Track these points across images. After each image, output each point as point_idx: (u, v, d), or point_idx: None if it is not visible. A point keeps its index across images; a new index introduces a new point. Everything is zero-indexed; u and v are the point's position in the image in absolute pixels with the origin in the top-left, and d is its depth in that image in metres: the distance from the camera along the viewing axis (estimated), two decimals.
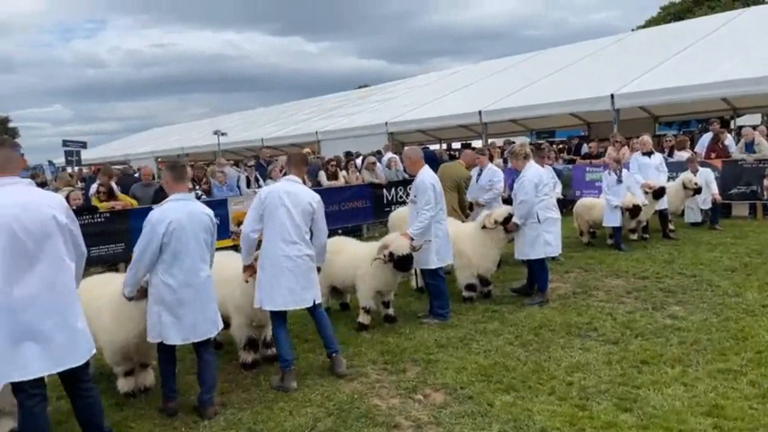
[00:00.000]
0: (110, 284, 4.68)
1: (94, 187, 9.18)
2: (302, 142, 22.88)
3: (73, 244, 3.55)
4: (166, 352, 4.41)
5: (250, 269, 5.02)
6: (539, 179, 6.65)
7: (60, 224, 3.42)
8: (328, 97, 32.58)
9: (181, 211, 4.29)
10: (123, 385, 4.74)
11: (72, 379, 3.56)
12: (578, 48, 21.96)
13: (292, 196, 4.93)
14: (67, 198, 8.69)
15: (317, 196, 5.14)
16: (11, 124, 65.72)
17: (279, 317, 4.96)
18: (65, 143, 18.23)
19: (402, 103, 22.87)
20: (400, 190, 12.34)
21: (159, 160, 29.47)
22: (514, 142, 19.05)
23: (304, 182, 5.35)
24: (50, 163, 26.83)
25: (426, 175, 6.21)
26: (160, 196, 9.35)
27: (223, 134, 22.43)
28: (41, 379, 3.36)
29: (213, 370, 4.53)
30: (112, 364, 4.75)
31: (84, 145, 19.44)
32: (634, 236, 9.85)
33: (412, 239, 5.95)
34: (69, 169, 19.03)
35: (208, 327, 4.41)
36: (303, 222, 4.95)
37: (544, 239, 6.72)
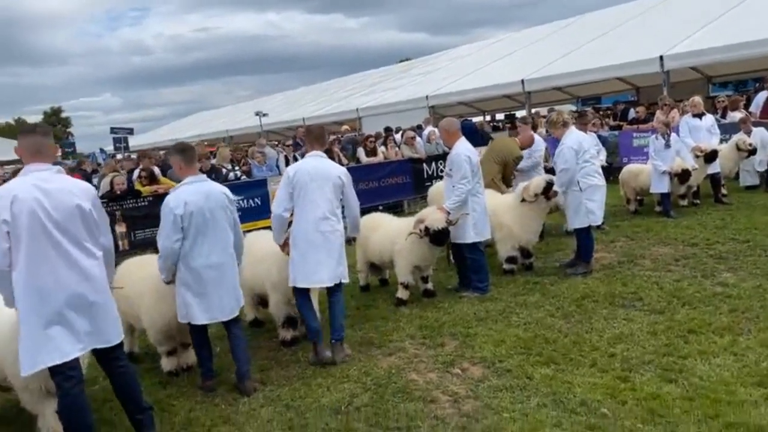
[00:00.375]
0: (150, 266, 4.79)
1: (136, 172, 9.41)
2: (343, 119, 22.90)
3: (98, 233, 3.61)
4: (197, 332, 4.51)
5: (285, 247, 5.05)
6: (579, 146, 6.43)
7: (84, 212, 3.49)
8: (370, 73, 32.37)
9: (196, 193, 4.32)
10: (166, 364, 4.89)
11: (106, 358, 3.68)
12: (623, 9, 21.02)
13: (320, 171, 4.91)
14: (111, 182, 8.98)
15: (344, 170, 5.14)
16: (63, 114, 68.28)
17: (304, 293, 4.98)
18: (113, 130, 18.79)
19: (443, 76, 22.51)
20: (441, 164, 12.17)
21: (206, 143, 30.10)
22: (553, 109, 18.62)
23: (330, 156, 5.32)
24: (102, 150, 27.74)
25: (462, 147, 6.09)
26: None
27: (264, 115, 22.64)
28: (75, 360, 3.47)
29: (244, 344, 4.62)
30: (155, 344, 4.91)
31: (131, 131, 19.99)
32: (684, 202, 9.46)
33: (449, 213, 5.87)
34: (119, 156, 19.67)
35: (232, 305, 4.48)
36: (334, 196, 4.94)
37: (587, 207, 6.52)
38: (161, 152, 15.05)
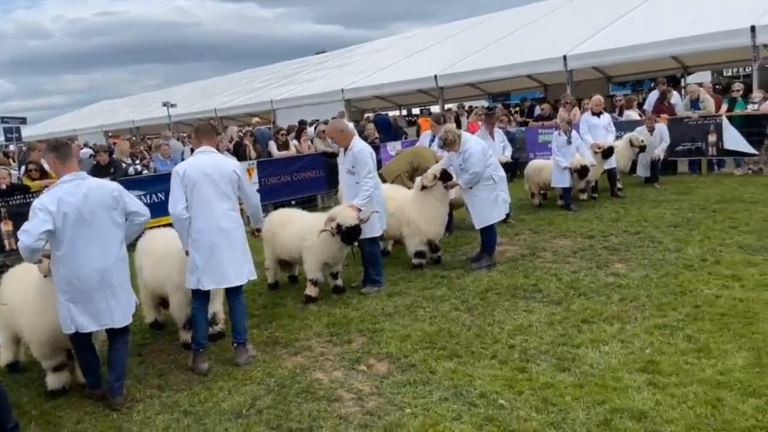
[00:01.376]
0: (33, 274, 4.40)
1: (23, 167, 8.75)
2: (257, 111, 22.40)
3: None
4: (81, 340, 4.24)
5: None
6: (483, 147, 6.67)
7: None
8: (285, 64, 31.83)
9: (72, 193, 4.02)
10: (53, 381, 4.47)
11: None
12: (533, 9, 21.84)
13: (214, 167, 4.68)
14: None
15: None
16: None
17: (203, 296, 4.78)
18: (3, 120, 17.44)
19: (359, 69, 22.48)
20: None
21: (110, 134, 28.55)
22: (464, 106, 19.09)
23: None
24: None
25: (362, 144, 6.15)
26: (97, 173, 9.03)
27: (172, 105, 21.75)
28: None
29: (123, 357, 4.37)
30: (40, 358, 4.47)
31: (24, 120, 18.61)
32: (584, 196, 9.95)
33: (359, 210, 5.85)
34: (12, 147, 18.26)
35: (124, 310, 4.26)
36: (231, 191, 4.75)
37: (503, 198, 6.89)
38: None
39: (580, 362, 4.24)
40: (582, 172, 9.34)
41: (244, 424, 3.81)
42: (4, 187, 8.17)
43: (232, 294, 4.87)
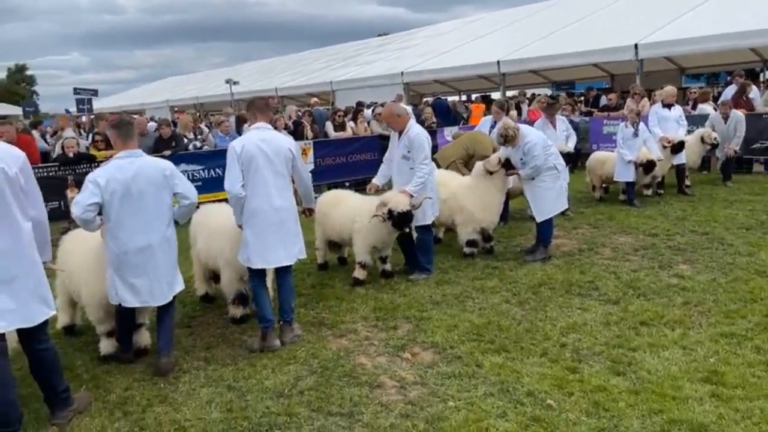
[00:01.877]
0: (89, 240, 4.54)
1: (90, 136, 9.04)
2: (317, 91, 22.47)
3: (26, 203, 3.40)
4: (123, 312, 4.37)
5: None
6: (542, 139, 6.47)
7: (9, 177, 3.27)
8: (346, 46, 31.81)
9: (123, 170, 4.09)
10: (105, 346, 4.59)
11: (27, 339, 3.57)
12: None
13: (269, 144, 4.63)
14: (62, 146, 8.60)
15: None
16: (29, 72, 65.88)
17: (260, 274, 4.78)
18: (76, 91, 18.12)
19: (419, 52, 22.19)
20: None
21: (176, 109, 29.33)
22: (525, 94, 18.57)
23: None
24: (67, 111, 26.88)
25: (419, 128, 6.02)
26: (159, 145, 9.25)
27: (235, 83, 22.09)
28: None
29: (169, 329, 4.45)
30: (95, 322, 4.59)
31: (95, 92, 19.32)
32: (649, 192, 9.50)
33: (412, 196, 5.73)
34: (84, 118, 19.00)
35: (164, 290, 4.31)
36: (286, 170, 4.72)
37: (563, 187, 6.71)
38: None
39: (637, 367, 4.01)
40: (648, 167, 8.91)
41: (285, 404, 3.79)
42: (71, 155, 8.47)
43: (282, 273, 4.85)
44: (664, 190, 9.75)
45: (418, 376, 4.08)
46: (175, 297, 4.45)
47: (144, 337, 4.66)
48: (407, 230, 5.92)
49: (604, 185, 9.83)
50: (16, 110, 29.20)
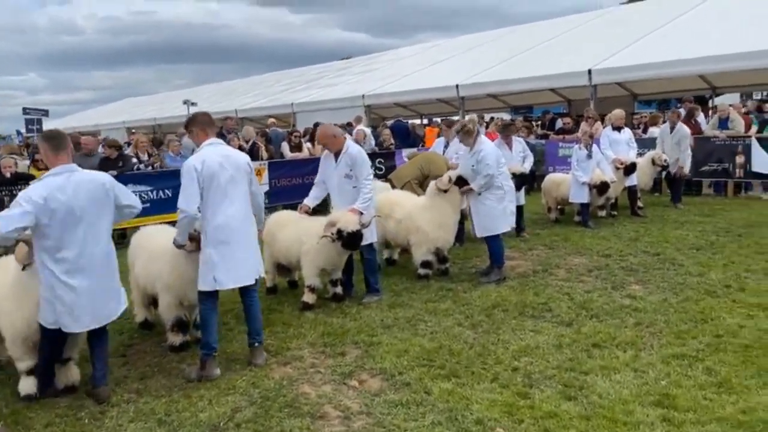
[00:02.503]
0: (11, 267, 4.21)
1: (31, 156, 8.65)
2: (278, 113, 22.25)
3: None
4: (56, 338, 4.04)
5: (193, 243, 4.51)
6: (496, 152, 6.43)
7: None
8: (308, 69, 31.81)
9: (61, 188, 3.82)
10: (24, 386, 4.18)
11: None
12: (559, 23, 21.46)
13: (229, 159, 4.46)
14: None
15: (247, 156, 4.79)
16: None
17: (213, 298, 4.53)
18: (25, 111, 17.58)
19: (381, 76, 22.31)
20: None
21: (132, 131, 28.70)
22: (483, 117, 18.77)
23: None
24: (18, 132, 26.06)
25: (357, 147, 5.93)
26: (105, 166, 8.90)
27: (193, 104, 21.72)
28: None
29: (105, 350, 4.23)
30: (14, 358, 4.20)
31: (46, 113, 18.76)
32: (603, 213, 9.58)
33: (361, 213, 5.57)
34: (35, 139, 18.35)
35: (111, 307, 4.11)
36: (247, 185, 4.57)
37: (510, 209, 6.63)
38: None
39: (588, 391, 3.90)
40: (602, 188, 8.98)
41: None
42: (8, 175, 8.06)
43: (248, 293, 4.65)
44: (617, 212, 9.85)
45: (364, 405, 3.88)
46: (106, 325, 4.17)
47: (73, 373, 4.28)
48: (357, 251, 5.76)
49: (559, 207, 9.88)
50: None
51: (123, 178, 9.04)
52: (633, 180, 9.59)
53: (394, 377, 4.25)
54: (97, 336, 4.12)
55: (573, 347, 4.60)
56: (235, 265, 4.45)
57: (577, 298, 5.72)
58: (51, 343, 4.04)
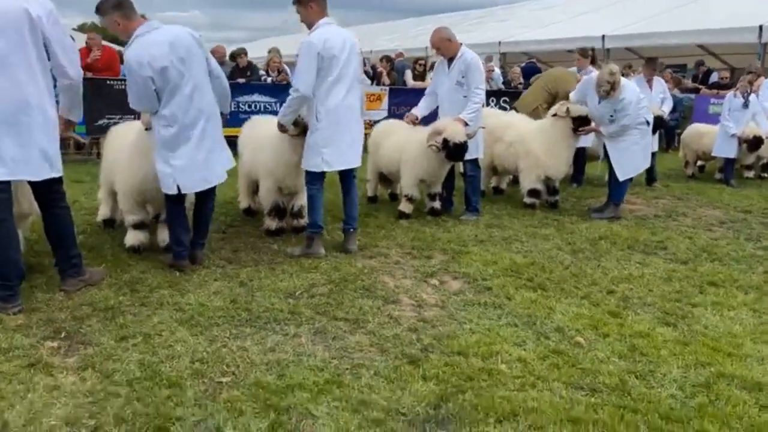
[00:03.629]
0: (132, 132, 4.45)
1: None
2: (411, 57, 22.06)
3: (52, 52, 3.31)
4: (175, 203, 4.13)
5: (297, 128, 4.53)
6: (638, 97, 5.76)
7: (31, 18, 3.17)
8: (446, 16, 31.11)
9: (158, 44, 3.74)
10: (130, 238, 4.47)
11: (40, 192, 3.50)
12: None
13: (346, 41, 4.36)
14: None
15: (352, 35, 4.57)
16: None
17: (320, 179, 4.53)
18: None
19: (519, 24, 21.32)
20: (492, 101, 11.40)
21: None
22: (630, 66, 17.29)
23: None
24: None
25: (473, 53, 5.57)
26: (234, 74, 9.28)
27: None
28: (5, 184, 3.29)
29: (208, 218, 4.38)
30: (124, 211, 4.49)
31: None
32: (751, 174, 8.48)
33: (467, 124, 5.30)
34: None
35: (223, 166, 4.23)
36: (358, 68, 4.53)
37: (651, 145, 6.14)
38: None
39: (692, 320, 3.47)
40: (754, 143, 7.91)
41: (292, 304, 3.56)
42: None
43: (349, 177, 4.67)
44: None
45: (440, 300, 3.74)
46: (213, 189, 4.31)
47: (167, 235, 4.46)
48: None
49: (699, 163, 8.89)
50: None
51: (249, 88, 9.49)
52: None
53: (476, 281, 4.06)
54: (203, 199, 4.24)
55: (683, 282, 4.12)
56: (343, 149, 4.45)
57: (700, 243, 5.11)
58: (173, 204, 4.11)
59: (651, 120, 6.00)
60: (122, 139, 4.66)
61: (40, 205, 3.56)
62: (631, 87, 5.86)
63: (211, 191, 4.27)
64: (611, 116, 5.77)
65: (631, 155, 5.90)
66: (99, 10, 3.81)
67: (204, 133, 3.99)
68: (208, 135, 4.02)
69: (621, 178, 5.94)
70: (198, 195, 4.22)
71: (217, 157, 4.13)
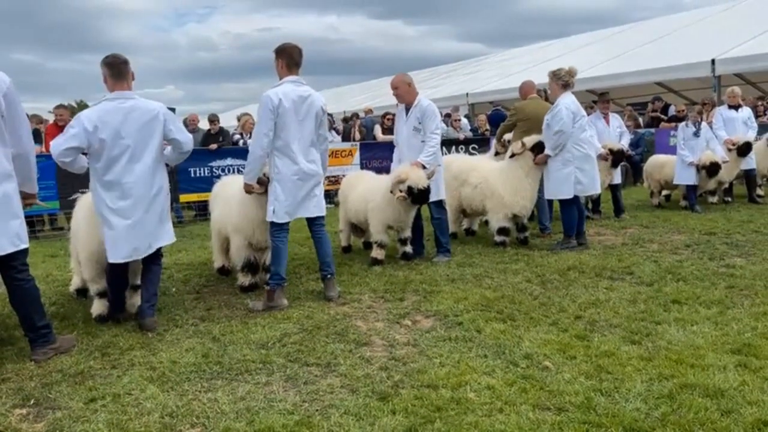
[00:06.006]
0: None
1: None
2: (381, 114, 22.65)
3: (6, 129, 3.40)
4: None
5: (261, 185, 4.66)
6: (576, 108, 5.98)
7: None
8: (416, 73, 32.15)
9: (114, 111, 3.95)
10: (96, 307, 4.45)
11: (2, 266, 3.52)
12: (674, 18, 20.14)
13: (306, 100, 4.52)
14: None
15: (324, 101, 4.76)
16: None
17: (283, 229, 4.63)
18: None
19: (486, 76, 22.09)
20: (461, 149, 11.71)
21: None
22: (593, 107, 17.88)
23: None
24: None
25: (428, 100, 5.82)
26: (206, 140, 9.48)
27: None
28: None
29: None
30: (87, 280, 4.52)
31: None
32: (714, 199, 8.71)
33: (424, 167, 5.48)
34: None
35: (158, 235, 4.25)
36: (316, 129, 4.65)
37: (576, 177, 6.03)
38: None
39: (656, 337, 3.55)
40: (711, 169, 8.17)
41: (263, 354, 3.58)
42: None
43: (318, 226, 4.79)
44: (733, 199, 8.94)
45: (412, 339, 3.78)
46: (161, 254, 4.37)
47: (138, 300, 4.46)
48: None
49: (664, 192, 9.15)
50: None
51: (223, 151, 9.67)
52: (751, 163, 8.67)
53: (447, 317, 4.11)
54: (147, 267, 4.26)
55: (649, 303, 4.21)
56: (299, 200, 4.58)
57: (665, 265, 5.24)
58: (112, 270, 4.21)
59: (579, 153, 6.02)
60: (84, 208, 4.72)
61: (4, 278, 3.57)
62: (570, 99, 6.04)
63: (155, 256, 4.27)
64: (547, 122, 6.01)
65: (554, 180, 6.09)
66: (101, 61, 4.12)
67: (136, 204, 4.06)
68: (142, 206, 4.09)
69: (546, 196, 6.45)
70: (143, 259, 4.23)
71: (152, 230, 4.15)
